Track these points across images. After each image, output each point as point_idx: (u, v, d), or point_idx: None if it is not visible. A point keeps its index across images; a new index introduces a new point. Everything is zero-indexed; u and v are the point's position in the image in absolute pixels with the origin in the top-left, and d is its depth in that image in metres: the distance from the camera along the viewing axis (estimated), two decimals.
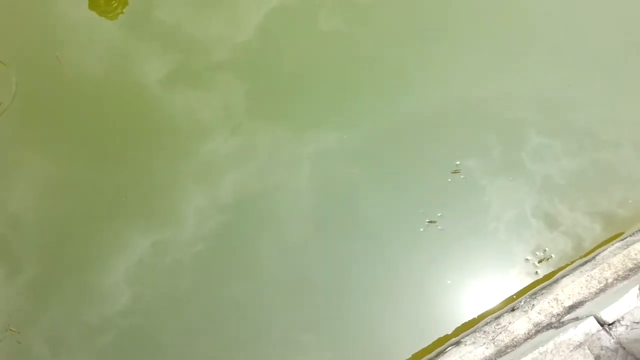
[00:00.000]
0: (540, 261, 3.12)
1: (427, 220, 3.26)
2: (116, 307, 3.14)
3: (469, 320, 3.09)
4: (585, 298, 2.79)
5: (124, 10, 4.10)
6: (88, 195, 3.45)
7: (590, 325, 2.41)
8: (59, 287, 3.22)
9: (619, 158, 3.37)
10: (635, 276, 2.69)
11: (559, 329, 2.57)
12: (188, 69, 3.85)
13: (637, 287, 2.45)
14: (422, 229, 3.24)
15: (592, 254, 3.09)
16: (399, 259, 3.19)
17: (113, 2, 4.09)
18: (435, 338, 3.03)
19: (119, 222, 3.37)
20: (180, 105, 3.71)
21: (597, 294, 2.78)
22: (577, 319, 2.54)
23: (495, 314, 3.00)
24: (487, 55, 3.76)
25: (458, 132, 3.51)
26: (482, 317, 3.07)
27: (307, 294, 3.16)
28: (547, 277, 3.07)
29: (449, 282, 3.15)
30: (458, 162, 3.38)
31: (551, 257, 3.12)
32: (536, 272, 3.11)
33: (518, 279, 3.09)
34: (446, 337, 3.03)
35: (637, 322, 2.36)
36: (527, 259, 3.14)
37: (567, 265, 3.09)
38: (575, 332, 2.38)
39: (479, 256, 3.17)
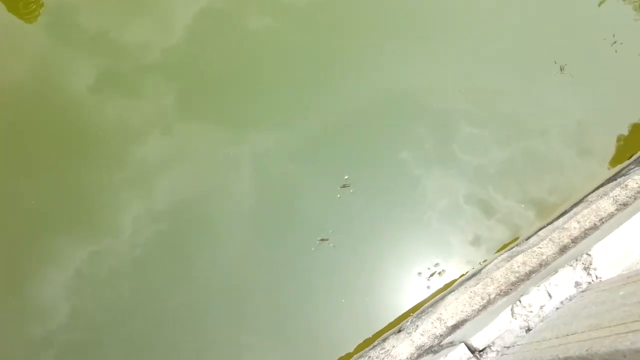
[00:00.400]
0: (431, 276, 3.01)
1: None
2: (55, 322, 2.96)
3: (364, 341, 2.97)
4: (468, 316, 2.68)
5: (40, 12, 3.87)
6: (17, 207, 3.25)
7: (461, 353, 2.29)
8: None
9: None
10: (514, 292, 2.58)
11: (436, 355, 2.45)
12: (116, 73, 3.68)
13: (510, 307, 2.34)
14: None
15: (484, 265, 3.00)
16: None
17: (31, 4, 3.89)
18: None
19: (51, 234, 3.18)
20: (110, 111, 3.54)
21: (479, 311, 2.68)
22: (452, 343, 2.41)
23: (383, 335, 2.86)
24: (414, 48, 3.76)
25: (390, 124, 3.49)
26: (376, 336, 2.96)
27: (249, 298, 3.03)
28: (435, 294, 2.96)
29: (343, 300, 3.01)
30: (346, 177, 3.21)
31: (443, 271, 3.01)
32: (428, 287, 3.00)
33: (412, 294, 2.98)
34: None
35: (507, 347, 2.26)
36: (419, 273, 3.02)
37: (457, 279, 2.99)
38: None
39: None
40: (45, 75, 3.68)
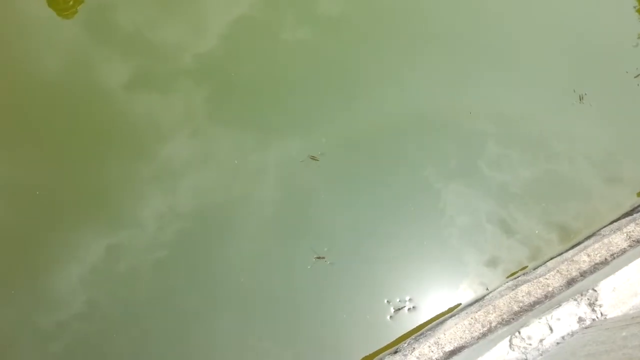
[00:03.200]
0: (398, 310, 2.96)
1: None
2: (69, 313, 2.98)
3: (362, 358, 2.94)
4: (467, 343, 2.62)
5: (78, 8, 3.96)
6: (42, 198, 3.28)
7: None
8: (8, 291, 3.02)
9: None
10: (516, 322, 2.52)
11: None
12: (148, 73, 3.73)
13: (508, 338, 2.28)
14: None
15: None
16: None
17: (70, 0, 3.98)
18: None
19: (72, 226, 3.21)
20: (140, 110, 3.59)
21: (479, 338, 2.62)
22: None
23: (378, 356, 2.82)
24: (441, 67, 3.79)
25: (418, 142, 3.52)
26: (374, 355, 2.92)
27: (265, 305, 3.02)
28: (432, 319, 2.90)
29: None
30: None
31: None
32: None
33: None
34: None
35: None
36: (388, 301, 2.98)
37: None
38: None
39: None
40: (78, 71, 3.74)
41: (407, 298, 3.01)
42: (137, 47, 3.85)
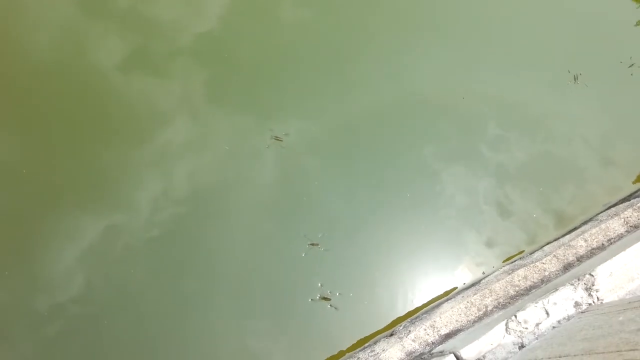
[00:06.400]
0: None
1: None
2: (65, 295, 2.95)
3: (357, 341, 2.94)
4: (463, 326, 2.63)
5: None
6: (38, 179, 3.23)
7: None
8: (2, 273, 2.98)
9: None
10: (512, 307, 2.52)
11: None
12: (146, 52, 3.64)
13: (504, 322, 2.28)
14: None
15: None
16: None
17: None
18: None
19: (68, 207, 3.16)
20: (137, 89, 3.51)
21: (475, 322, 2.62)
22: (442, 353, 2.37)
23: (374, 338, 2.83)
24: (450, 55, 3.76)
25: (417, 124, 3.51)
26: (369, 337, 2.92)
27: (259, 287, 3.00)
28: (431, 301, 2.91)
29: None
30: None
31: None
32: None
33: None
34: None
35: None
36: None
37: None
38: None
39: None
40: (73, 49, 3.65)
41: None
42: (134, 25, 3.75)
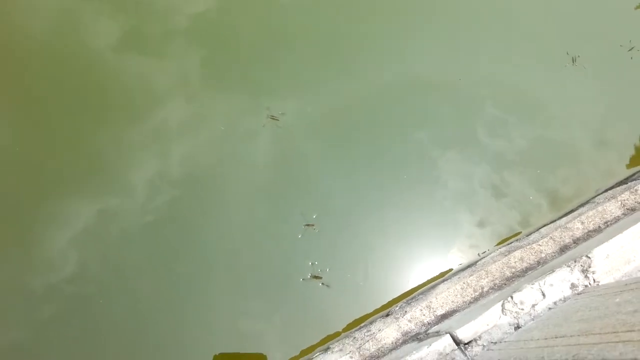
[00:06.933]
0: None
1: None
2: (59, 277, 2.94)
3: (353, 320, 2.96)
4: (459, 307, 2.64)
5: None
6: (31, 161, 3.19)
7: (445, 344, 2.25)
8: None
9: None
10: (508, 288, 2.54)
11: (420, 343, 2.42)
12: (141, 34, 3.58)
13: (501, 303, 2.29)
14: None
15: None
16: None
17: None
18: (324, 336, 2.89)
19: (64, 190, 3.13)
20: (132, 71, 3.46)
21: (470, 303, 2.64)
22: (438, 333, 2.38)
23: (370, 319, 2.84)
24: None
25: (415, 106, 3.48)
26: (364, 318, 2.94)
27: (251, 269, 3.00)
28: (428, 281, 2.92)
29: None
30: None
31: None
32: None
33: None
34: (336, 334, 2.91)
35: (494, 342, 2.22)
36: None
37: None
38: (429, 351, 2.23)
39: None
40: (66, 31, 3.58)
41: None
42: (128, 5, 3.66)
